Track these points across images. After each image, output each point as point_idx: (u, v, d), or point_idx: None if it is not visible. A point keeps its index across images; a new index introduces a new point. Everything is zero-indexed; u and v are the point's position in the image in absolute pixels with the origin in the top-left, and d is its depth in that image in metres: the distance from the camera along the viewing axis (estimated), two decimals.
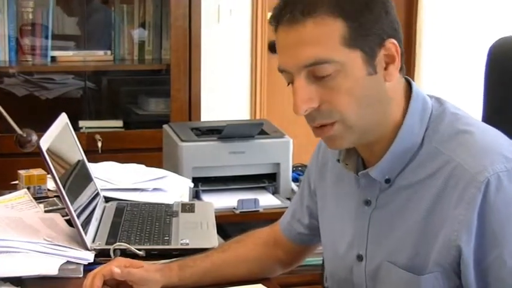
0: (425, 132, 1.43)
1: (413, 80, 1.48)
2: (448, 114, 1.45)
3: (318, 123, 1.40)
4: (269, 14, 3.99)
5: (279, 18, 1.37)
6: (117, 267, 1.60)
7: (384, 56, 1.38)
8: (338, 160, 1.54)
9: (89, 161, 2.18)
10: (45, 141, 1.83)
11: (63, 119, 2.06)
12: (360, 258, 1.53)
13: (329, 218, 1.64)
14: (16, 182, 2.36)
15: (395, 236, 1.45)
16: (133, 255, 1.83)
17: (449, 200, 1.36)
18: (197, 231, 2.02)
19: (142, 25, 3.71)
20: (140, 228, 1.99)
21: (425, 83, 4.38)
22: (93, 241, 1.89)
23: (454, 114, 1.45)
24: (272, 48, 3.99)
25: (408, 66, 4.33)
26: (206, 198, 2.71)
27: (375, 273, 1.50)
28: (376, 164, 1.45)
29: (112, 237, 1.92)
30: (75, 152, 2.11)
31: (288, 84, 1.41)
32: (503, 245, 1.32)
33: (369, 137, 1.43)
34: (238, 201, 2.68)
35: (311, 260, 2.35)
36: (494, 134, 1.44)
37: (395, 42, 1.38)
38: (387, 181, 1.45)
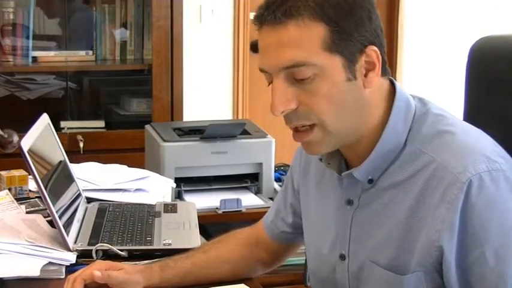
0: (408, 132, 1.43)
1: (395, 79, 1.49)
2: (431, 114, 1.45)
3: (294, 125, 1.40)
4: (251, 14, 3.99)
5: (262, 19, 1.37)
6: (97, 270, 1.59)
7: (365, 63, 1.38)
8: (321, 159, 1.53)
9: (70, 162, 2.17)
10: (27, 142, 1.82)
11: (44, 119, 2.05)
12: (342, 257, 1.53)
13: (312, 218, 1.64)
14: None
15: (378, 236, 1.45)
16: (115, 256, 1.82)
17: (431, 199, 1.37)
18: (180, 231, 2.02)
19: (124, 25, 3.70)
20: (122, 229, 1.99)
21: (407, 82, 4.40)
22: (75, 242, 1.89)
23: (437, 114, 1.45)
24: (254, 47, 3.97)
25: (390, 65, 4.32)
26: (188, 198, 2.70)
27: (357, 272, 1.50)
28: (359, 164, 1.45)
29: (94, 238, 1.92)
30: (56, 153, 2.10)
31: (269, 85, 1.41)
32: (485, 244, 1.33)
33: (347, 141, 1.43)
34: (221, 201, 2.68)
35: (294, 259, 2.36)
36: (476, 135, 1.44)
37: (376, 49, 1.38)
38: (370, 181, 1.45)
